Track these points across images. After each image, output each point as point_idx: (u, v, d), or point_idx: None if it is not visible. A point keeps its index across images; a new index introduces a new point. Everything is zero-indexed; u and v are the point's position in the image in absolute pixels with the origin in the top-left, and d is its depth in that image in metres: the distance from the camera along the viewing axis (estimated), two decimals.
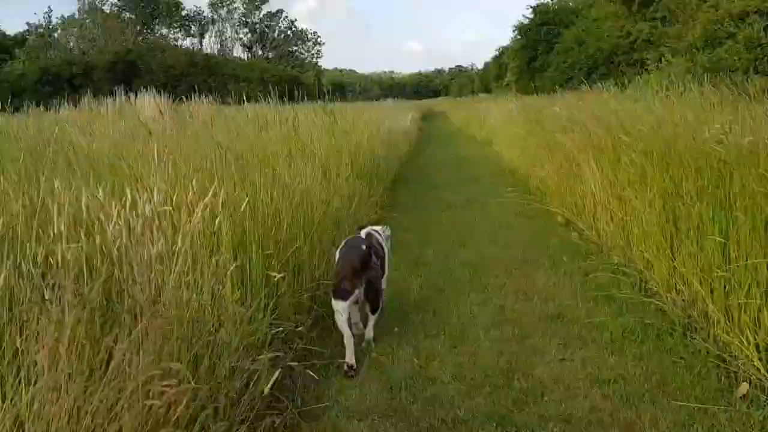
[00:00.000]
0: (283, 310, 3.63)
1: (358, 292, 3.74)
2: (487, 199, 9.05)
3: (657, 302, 4.26)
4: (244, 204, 3.49)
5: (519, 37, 35.43)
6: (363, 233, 4.32)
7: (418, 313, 4.46)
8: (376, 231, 4.44)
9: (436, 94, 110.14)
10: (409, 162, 14.03)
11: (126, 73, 51.53)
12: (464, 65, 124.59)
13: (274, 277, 3.35)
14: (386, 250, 4.37)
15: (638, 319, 4.09)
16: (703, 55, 15.00)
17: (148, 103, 6.08)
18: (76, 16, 63.68)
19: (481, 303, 4.65)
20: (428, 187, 10.61)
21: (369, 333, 3.96)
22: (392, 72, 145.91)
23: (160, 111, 5.99)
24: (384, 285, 4.15)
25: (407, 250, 6.07)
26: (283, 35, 76.03)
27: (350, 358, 3.59)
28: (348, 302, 3.71)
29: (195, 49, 65.32)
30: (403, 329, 4.15)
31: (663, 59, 20.00)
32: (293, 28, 77.16)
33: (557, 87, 25.67)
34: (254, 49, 73.69)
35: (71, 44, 64.72)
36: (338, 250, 4.17)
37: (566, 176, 7.19)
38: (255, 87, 48.57)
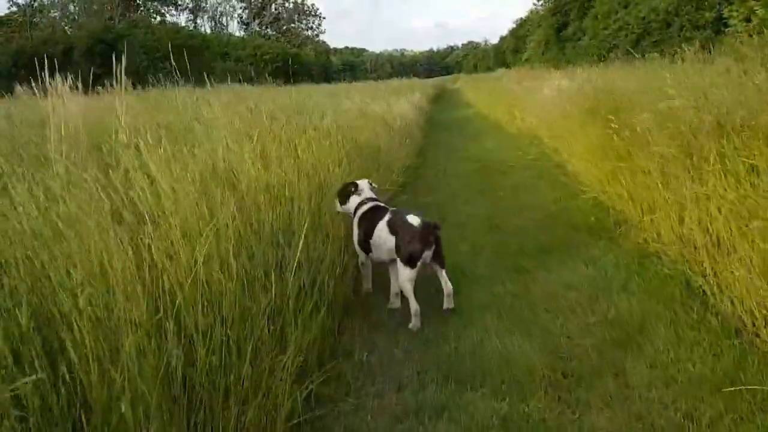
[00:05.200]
0: None
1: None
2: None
3: None
4: None
5: (545, 1, 30.48)
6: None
7: None
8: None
9: (448, 71, 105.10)
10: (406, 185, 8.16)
11: (105, 55, 46.86)
12: (477, 41, 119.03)
13: None
14: None
15: None
16: None
17: None
18: None
19: None
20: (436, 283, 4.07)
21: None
22: (404, 50, 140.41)
23: None
24: None
25: None
26: (281, 8, 70.73)
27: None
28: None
29: (187, 25, 60.54)
30: None
31: (753, 16, 15.23)
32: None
33: (597, 59, 20.94)
34: (252, 25, 68.48)
35: (55, 22, 60.44)
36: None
37: None
38: (244, 66, 43.77)
